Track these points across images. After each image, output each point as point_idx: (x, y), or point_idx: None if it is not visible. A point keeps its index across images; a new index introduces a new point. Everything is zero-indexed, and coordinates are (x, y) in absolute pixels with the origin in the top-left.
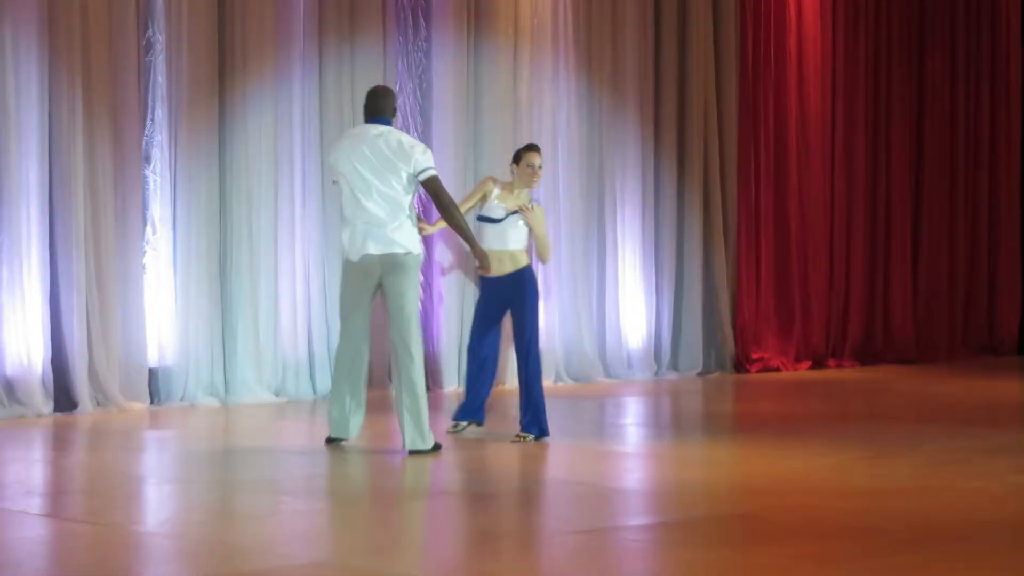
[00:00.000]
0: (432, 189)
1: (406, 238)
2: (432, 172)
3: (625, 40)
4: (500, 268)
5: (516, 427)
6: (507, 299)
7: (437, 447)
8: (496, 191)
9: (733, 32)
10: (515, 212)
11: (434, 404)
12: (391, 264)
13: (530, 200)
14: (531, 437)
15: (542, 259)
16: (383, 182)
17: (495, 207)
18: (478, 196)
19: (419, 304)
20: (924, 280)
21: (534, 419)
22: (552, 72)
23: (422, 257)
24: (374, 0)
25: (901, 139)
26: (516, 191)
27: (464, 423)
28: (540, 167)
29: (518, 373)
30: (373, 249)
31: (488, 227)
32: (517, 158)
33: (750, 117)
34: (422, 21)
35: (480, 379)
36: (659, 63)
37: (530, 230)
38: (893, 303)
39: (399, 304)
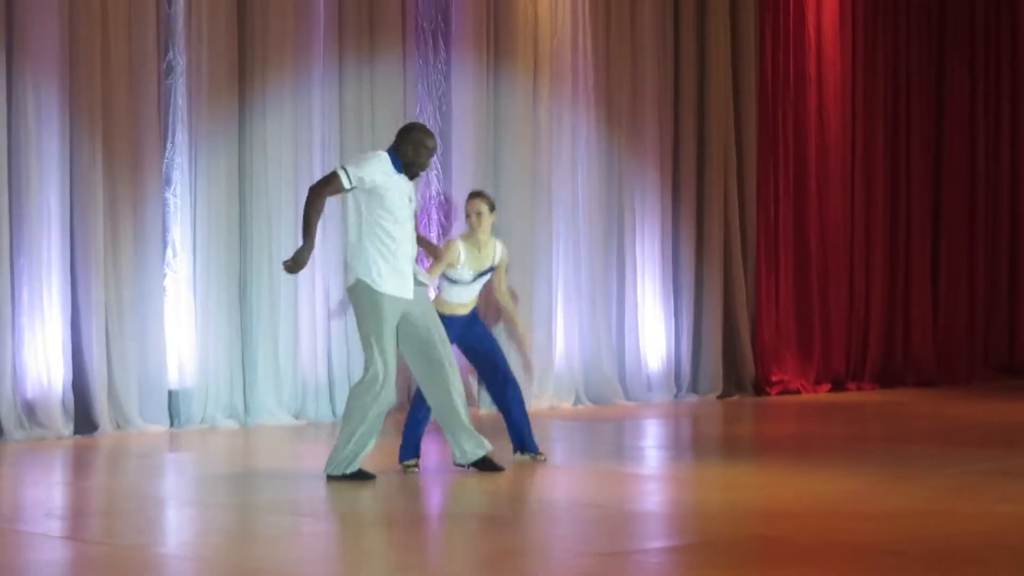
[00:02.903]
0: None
1: (353, 267)
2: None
3: (644, 62)
4: (461, 311)
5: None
6: (462, 336)
7: (349, 475)
8: (462, 256)
9: (752, 53)
10: (483, 274)
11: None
12: (347, 294)
13: (495, 246)
14: (540, 456)
15: (507, 308)
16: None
17: (463, 272)
18: (445, 264)
19: (374, 330)
20: (944, 302)
21: (528, 435)
22: (571, 94)
23: (375, 285)
24: (394, 23)
25: (920, 160)
26: (479, 243)
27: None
28: (480, 213)
29: (499, 400)
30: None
31: (456, 286)
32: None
33: (769, 138)
34: (442, 44)
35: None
36: (678, 85)
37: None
38: (913, 325)
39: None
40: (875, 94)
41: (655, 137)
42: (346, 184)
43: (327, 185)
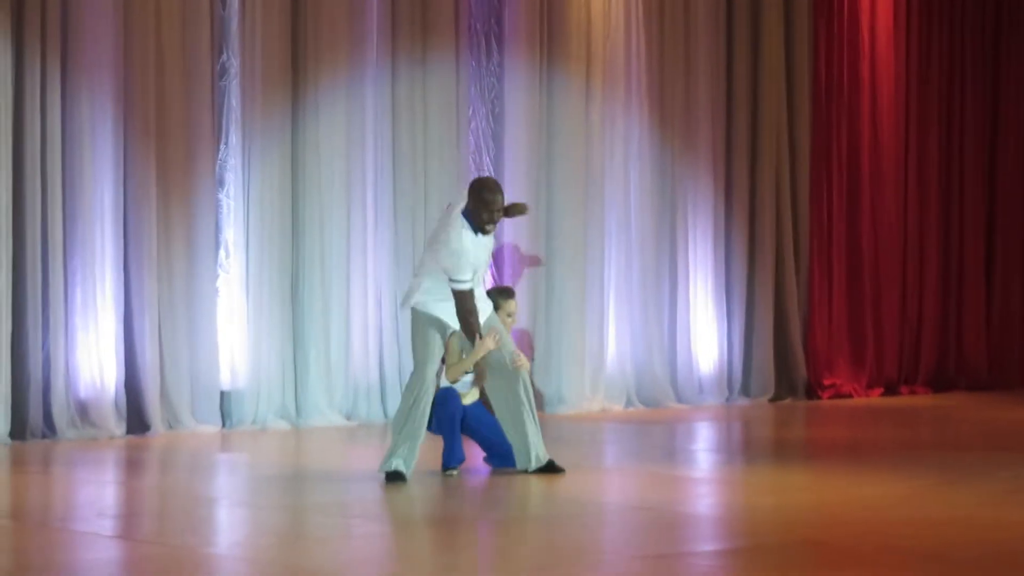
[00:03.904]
0: None
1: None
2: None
3: (698, 64)
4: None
5: (583, 453)
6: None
7: (389, 475)
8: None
9: (806, 57)
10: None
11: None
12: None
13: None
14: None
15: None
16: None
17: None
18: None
19: (424, 355)
20: (998, 306)
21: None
22: (624, 97)
23: (424, 313)
24: (447, 25)
25: (974, 165)
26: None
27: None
28: (511, 314)
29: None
30: None
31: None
32: (496, 306)
33: (823, 142)
34: (495, 46)
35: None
36: (731, 87)
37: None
38: (966, 329)
39: None
40: (929, 98)
41: (708, 140)
42: (468, 285)
43: (464, 300)
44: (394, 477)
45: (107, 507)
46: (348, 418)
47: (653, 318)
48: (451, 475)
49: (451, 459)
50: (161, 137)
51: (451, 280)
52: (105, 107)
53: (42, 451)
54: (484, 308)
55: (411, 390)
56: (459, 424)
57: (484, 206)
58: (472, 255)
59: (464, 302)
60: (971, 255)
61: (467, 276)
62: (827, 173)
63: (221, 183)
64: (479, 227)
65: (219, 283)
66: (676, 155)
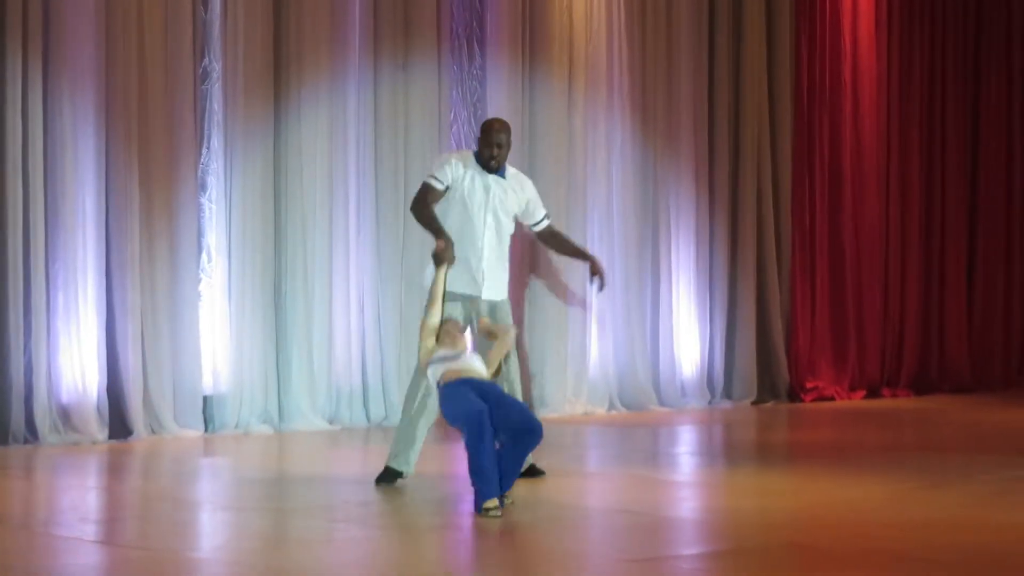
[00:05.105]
0: None
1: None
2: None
3: (679, 67)
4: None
5: (566, 456)
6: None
7: (382, 476)
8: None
9: (788, 60)
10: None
11: None
12: None
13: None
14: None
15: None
16: None
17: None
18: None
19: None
20: (979, 309)
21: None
22: (606, 100)
23: (428, 279)
24: (429, 29)
25: (956, 166)
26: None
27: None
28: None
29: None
30: None
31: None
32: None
33: (805, 145)
34: (477, 49)
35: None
36: (713, 91)
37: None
38: (948, 332)
39: None
40: (911, 100)
41: (690, 143)
42: (436, 184)
43: (423, 192)
44: (385, 477)
45: (90, 512)
46: (330, 422)
47: (635, 321)
48: (494, 515)
49: (489, 491)
50: (143, 141)
51: (429, 174)
52: (87, 111)
53: (24, 456)
54: (498, 280)
55: (409, 387)
56: (488, 432)
57: (485, 138)
58: (461, 175)
59: (423, 193)
60: (953, 257)
61: (440, 174)
62: (809, 175)
63: (203, 187)
64: (483, 163)
65: (201, 287)
66: (658, 158)
